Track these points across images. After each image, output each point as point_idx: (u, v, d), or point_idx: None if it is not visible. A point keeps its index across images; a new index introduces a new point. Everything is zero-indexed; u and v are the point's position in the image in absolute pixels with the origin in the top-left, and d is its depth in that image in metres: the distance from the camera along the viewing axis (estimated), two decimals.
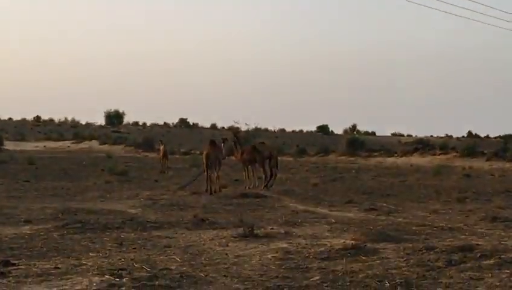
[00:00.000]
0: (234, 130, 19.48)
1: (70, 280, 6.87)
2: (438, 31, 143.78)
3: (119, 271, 7.07)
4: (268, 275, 7.21)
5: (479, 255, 7.90)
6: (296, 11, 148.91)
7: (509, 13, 61.23)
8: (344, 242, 8.90)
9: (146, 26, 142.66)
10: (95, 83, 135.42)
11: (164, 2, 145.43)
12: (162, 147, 29.17)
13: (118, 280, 6.73)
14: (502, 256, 7.79)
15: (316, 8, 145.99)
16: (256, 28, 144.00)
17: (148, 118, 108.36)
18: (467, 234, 10.25)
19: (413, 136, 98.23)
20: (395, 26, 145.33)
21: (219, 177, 18.64)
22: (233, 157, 24.01)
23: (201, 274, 7.18)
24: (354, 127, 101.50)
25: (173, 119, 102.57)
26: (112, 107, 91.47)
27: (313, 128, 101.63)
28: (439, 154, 38.86)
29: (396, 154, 41.38)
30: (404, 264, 7.60)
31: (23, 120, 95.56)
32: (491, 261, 7.58)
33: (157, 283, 6.70)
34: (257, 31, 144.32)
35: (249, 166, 19.78)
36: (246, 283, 6.89)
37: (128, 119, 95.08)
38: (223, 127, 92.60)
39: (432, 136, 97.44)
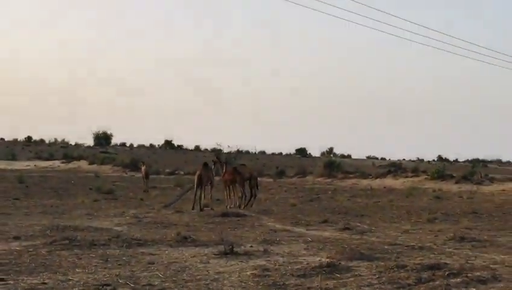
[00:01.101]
0: (216, 153, 19.69)
1: None
2: (410, 60, 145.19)
3: (104, 287, 7.02)
4: None
5: (447, 273, 7.93)
6: (276, 36, 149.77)
7: (478, 45, 62.05)
8: (320, 260, 8.91)
9: (134, 52, 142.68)
10: (85, 106, 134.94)
11: (150, 26, 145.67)
12: (143, 168, 29.33)
13: None
14: (469, 275, 7.83)
15: (299, 38, 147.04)
16: (242, 54, 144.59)
17: (135, 140, 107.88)
18: (436, 253, 10.28)
19: (387, 159, 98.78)
20: (372, 56, 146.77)
21: (205, 196, 19.01)
22: (216, 178, 24.06)
23: None
24: (330, 150, 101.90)
25: (159, 141, 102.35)
26: (101, 129, 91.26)
27: (292, 150, 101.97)
28: (411, 177, 39.04)
29: (370, 177, 41.51)
30: (376, 282, 7.61)
31: (15, 140, 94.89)
32: (459, 280, 7.62)
33: None
34: (243, 57, 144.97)
35: (230, 186, 19.81)
36: None
37: (116, 140, 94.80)
38: (206, 149, 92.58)
39: (404, 159, 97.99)
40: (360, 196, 26.66)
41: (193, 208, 18.03)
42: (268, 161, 77.65)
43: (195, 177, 19.12)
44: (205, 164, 19.62)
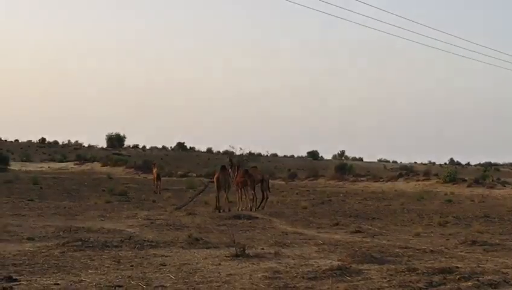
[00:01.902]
0: (229, 155, 19.76)
1: None
2: (422, 64, 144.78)
3: (116, 288, 7.04)
4: None
5: (458, 277, 7.89)
6: (291, 43, 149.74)
7: (490, 49, 61.87)
8: (331, 263, 8.89)
9: (148, 57, 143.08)
10: (98, 108, 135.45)
11: (163, 33, 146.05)
12: (155, 170, 29.59)
13: None
14: (480, 278, 7.79)
15: (311, 42, 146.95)
16: (254, 61, 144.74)
17: (147, 142, 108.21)
18: (447, 256, 10.24)
19: (399, 162, 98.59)
20: (383, 59, 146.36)
21: (227, 198, 19.32)
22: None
23: None
24: (342, 153, 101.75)
25: (171, 143, 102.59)
26: (114, 131, 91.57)
27: (304, 153, 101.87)
28: (423, 180, 38.92)
29: (382, 180, 41.42)
30: (387, 285, 7.58)
31: (29, 142, 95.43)
32: (470, 283, 7.58)
33: None
34: (254, 64, 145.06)
35: (242, 189, 19.85)
36: None
37: (128, 142, 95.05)
38: (219, 152, 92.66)
39: (416, 163, 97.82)
40: (372, 199, 26.60)
41: (219, 211, 18.37)
42: (280, 163, 77.65)
43: (215, 180, 19.43)
44: (223, 167, 19.79)
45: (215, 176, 19.58)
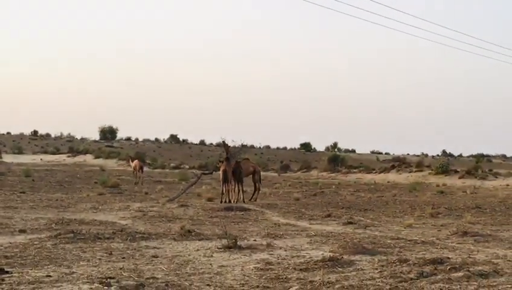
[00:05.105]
0: (226, 147, 19.45)
1: (61, 287, 6.81)
2: (415, 55, 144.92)
3: (108, 279, 7.02)
4: (249, 284, 7.19)
5: (449, 267, 7.91)
6: (284, 33, 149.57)
7: (483, 41, 62.14)
8: (322, 254, 8.91)
9: (143, 51, 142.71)
10: (92, 100, 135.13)
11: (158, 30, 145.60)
12: (135, 162, 30.12)
13: (106, 288, 6.67)
14: (471, 269, 7.82)
15: (302, 32, 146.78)
16: (247, 51, 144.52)
17: (140, 134, 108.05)
18: (438, 247, 10.27)
19: (391, 154, 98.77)
20: (377, 51, 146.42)
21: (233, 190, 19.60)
22: None
23: (186, 283, 7.15)
24: (335, 144, 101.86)
25: (164, 135, 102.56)
26: (106, 123, 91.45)
27: (297, 145, 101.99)
28: (415, 172, 39.04)
29: (374, 171, 41.51)
30: (378, 276, 7.60)
31: (21, 134, 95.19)
32: (460, 274, 7.60)
33: None
34: (247, 54, 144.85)
35: (234, 180, 19.89)
36: None
37: (121, 134, 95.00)
38: (211, 144, 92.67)
39: (408, 154, 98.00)
40: (364, 191, 26.66)
41: (221, 201, 18.59)
42: (273, 155, 77.69)
43: (221, 173, 19.46)
44: (228, 159, 19.71)
45: (222, 169, 19.50)
